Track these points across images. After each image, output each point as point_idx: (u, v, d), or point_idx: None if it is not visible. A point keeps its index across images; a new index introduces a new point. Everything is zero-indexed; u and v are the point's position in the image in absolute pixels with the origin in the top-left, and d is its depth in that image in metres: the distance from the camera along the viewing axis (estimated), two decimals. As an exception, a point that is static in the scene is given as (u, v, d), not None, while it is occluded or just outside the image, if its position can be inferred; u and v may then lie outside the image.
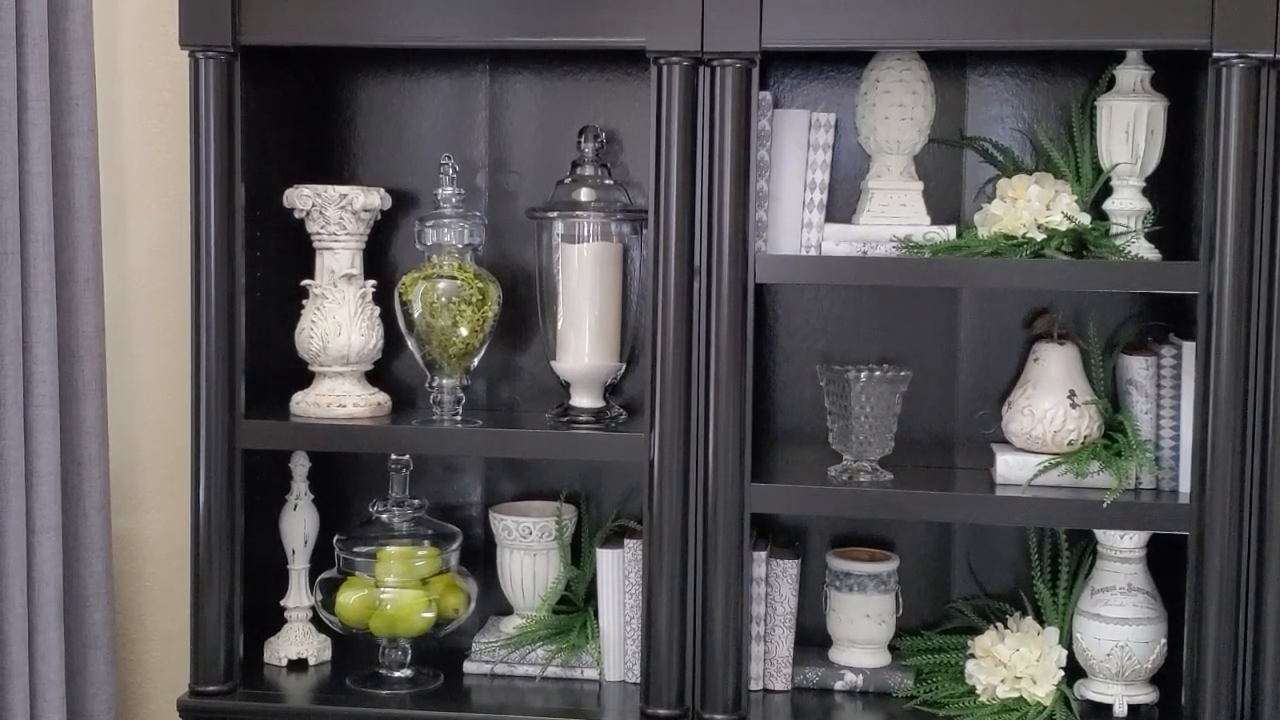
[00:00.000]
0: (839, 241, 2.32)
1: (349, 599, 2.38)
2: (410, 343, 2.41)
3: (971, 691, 2.31)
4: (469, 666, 2.45)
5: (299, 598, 2.49)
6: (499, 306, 2.41)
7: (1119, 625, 2.26)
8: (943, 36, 2.16)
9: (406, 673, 2.40)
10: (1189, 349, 2.21)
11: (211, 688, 2.34)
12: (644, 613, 2.26)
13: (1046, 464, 2.25)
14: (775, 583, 2.39)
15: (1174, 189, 2.35)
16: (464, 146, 2.56)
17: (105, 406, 2.54)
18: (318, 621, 2.47)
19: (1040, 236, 2.21)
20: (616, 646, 2.42)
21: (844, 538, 2.53)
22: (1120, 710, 2.27)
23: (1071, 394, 2.29)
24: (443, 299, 2.36)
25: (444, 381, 2.39)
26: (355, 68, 2.59)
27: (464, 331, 2.37)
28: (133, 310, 2.74)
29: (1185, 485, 2.21)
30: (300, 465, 2.49)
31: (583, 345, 2.39)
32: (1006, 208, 2.24)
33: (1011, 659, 2.26)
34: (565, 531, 2.47)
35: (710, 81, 2.17)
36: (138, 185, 2.73)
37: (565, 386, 2.43)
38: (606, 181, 2.41)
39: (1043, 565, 2.37)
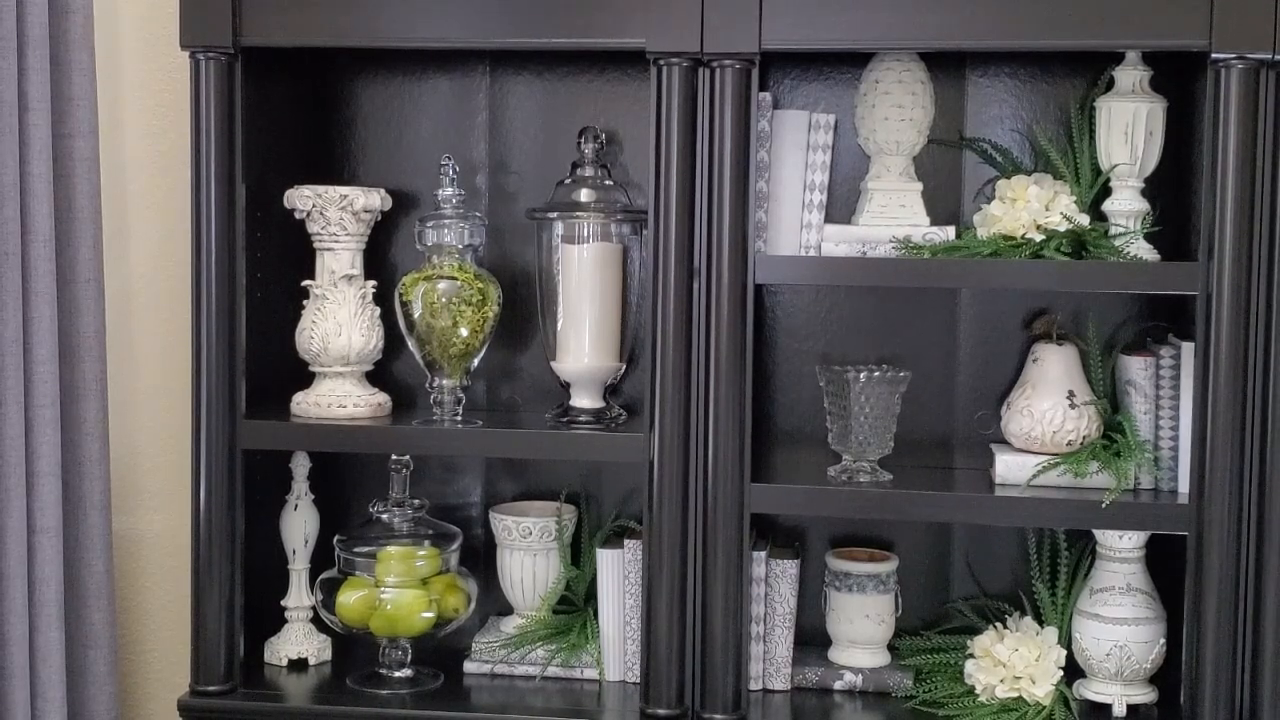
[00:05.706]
0: (839, 242, 2.32)
1: (349, 599, 2.38)
2: (410, 343, 2.41)
3: (971, 691, 2.31)
4: (469, 666, 2.45)
5: (299, 598, 2.49)
6: (499, 307, 2.41)
7: (1118, 625, 2.27)
8: (942, 37, 2.16)
9: (406, 673, 2.40)
10: (1188, 349, 2.21)
11: (212, 688, 2.34)
12: (644, 613, 2.26)
13: (1046, 464, 2.25)
14: (775, 583, 2.39)
15: (1173, 189, 2.35)
16: (464, 147, 2.56)
17: (105, 407, 2.55)
18: (318, 621, 2.48)
19: (1039, 237, 2.21)
20: (616, 646, 2.42)
21: (843, 538, 2.53)
22: (1119, 710, 2.27)
23: (1071, 394, 2.29)
24: (443, 299, 2.36)
25: (444, 382, 2.39)
26: (355, 68, 2.59)
27: (464, 332, 2.37)
28: (133, 311, 2.74)
29: (1184, 485, 2.21)
30: (300, 465, 2.49)
31: (583, 346, 2.39)
32: (1006, 209, 2.24)
33: (1011, 659, 2.26)
34: (565, 532, 2.47)
35: (710, 82, 2.17)
36: (138, 186, 2.73)
37: (565, 387, 2.43)
38: (606, 182, 2.41)
39: (1042, 565, 2.37)
